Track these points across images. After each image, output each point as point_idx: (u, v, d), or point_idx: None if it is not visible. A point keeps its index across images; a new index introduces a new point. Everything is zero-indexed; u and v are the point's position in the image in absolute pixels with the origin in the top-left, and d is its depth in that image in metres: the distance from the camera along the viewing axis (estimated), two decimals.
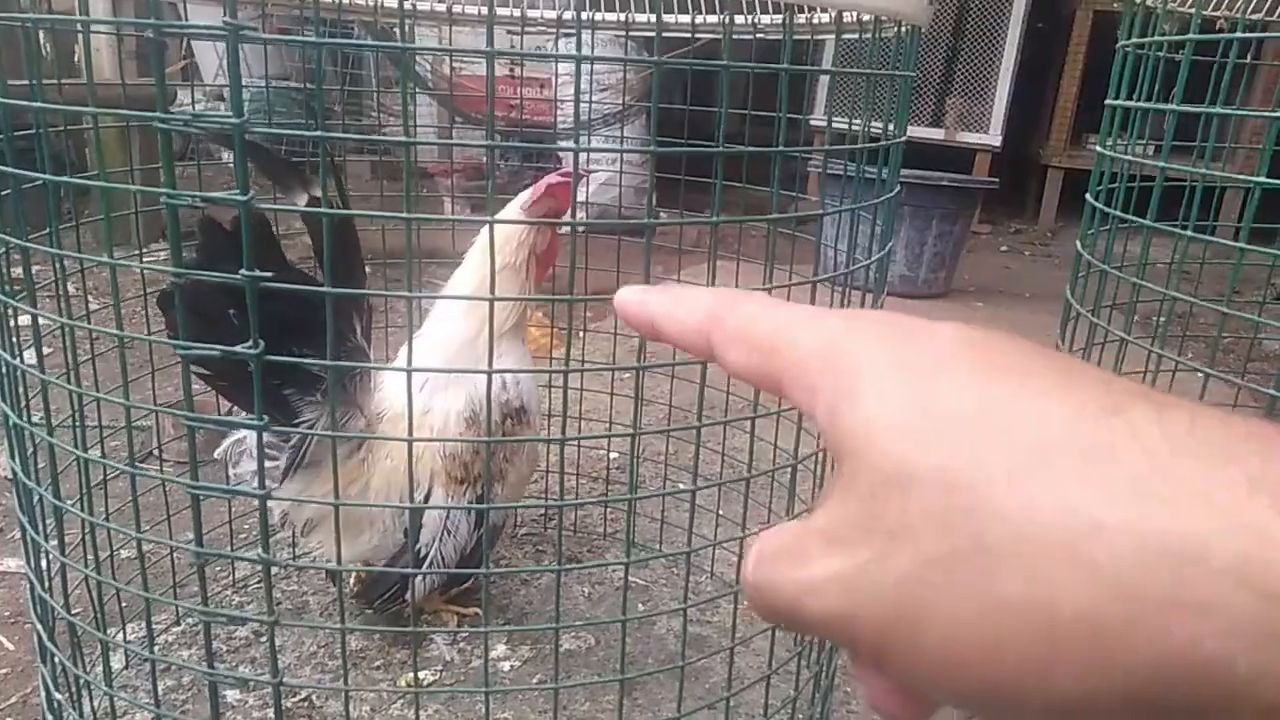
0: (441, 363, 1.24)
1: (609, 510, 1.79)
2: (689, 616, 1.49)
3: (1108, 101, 1.10)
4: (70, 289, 0.96)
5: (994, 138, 5.07)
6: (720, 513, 1.67)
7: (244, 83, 0.62)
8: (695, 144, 0.71)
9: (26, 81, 0.77)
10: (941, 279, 3.83)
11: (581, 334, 2.31)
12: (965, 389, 0.25)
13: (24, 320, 0.88)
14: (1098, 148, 1.12)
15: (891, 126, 0.95)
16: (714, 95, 0.71)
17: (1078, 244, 1.18)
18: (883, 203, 0.93)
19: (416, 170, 3.20)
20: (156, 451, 1.76)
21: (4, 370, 0.82)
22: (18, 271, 0.82)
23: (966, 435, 0.24)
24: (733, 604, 1.51)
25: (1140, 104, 1.03)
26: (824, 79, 4.79)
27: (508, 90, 3.00)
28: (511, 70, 3.65)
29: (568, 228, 1.36)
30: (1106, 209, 1.10)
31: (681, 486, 1.78)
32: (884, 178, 0.94)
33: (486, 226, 1.32)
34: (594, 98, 4.07)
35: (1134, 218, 1.07)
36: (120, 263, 0.67)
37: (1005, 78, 5.00)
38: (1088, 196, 1.15)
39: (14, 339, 0.88)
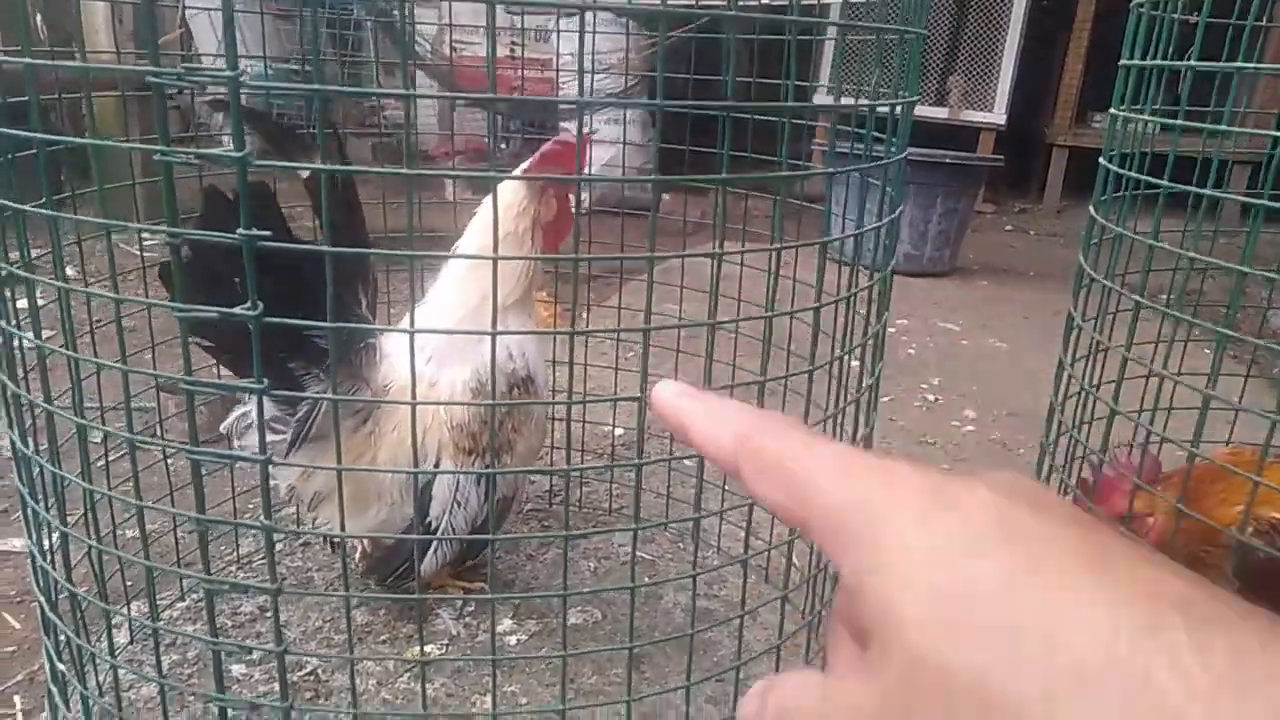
0: (446, 336, 1.23)
1: (614, 487, 1.78)
2: (696, 590, 1.49)
3: (1122, 62, 1.08)
4: (70, 272, 0.95)
5: (998, 116, 5.04)
6: (726, 487, 1.66)
7: (244, 65, 0.61)
8: (701, 102, 0.69)
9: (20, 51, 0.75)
10: (946, 257, 3.81)
11: (586, 311, 2.30)
12: (997, 579, 0.24)
13: (21, 304, 0.87)
14: (1111, 110, 1.10)
15: (900, 90, 0.93)
16: (717, 74, 0.69)
17: (1091, 209, 1.16)
18: (893, 163, 0.92)
19: (418, 153, 3.18)
20: (158, 431, 1.75)
21: (2, 341, 0.81)
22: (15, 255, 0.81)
23: (1003, 641, 0.24)
24: (741, 578, 1.52)
25: (1156, 62, 1.01)
26: (828, 54, 4.76)
27: (508, 71, 2.97)
28: (512, 51, 3.62)
29: (574, 200, 1.34)
30: (1121, 171, 1.08)
31: (688, 463, 1.77)
32: (893, 139, 0.92)
33: (488, 197, 1.31)
34: (596, 79, 4.05)
35: (1151, 178, 1.05)
36: (117, 225, 0.66)
37: (1010, 55, 4.96)
38: (1101, 160, 1.13)
39: (13, 310, 0.87)
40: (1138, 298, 0.98)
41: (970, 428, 2.30)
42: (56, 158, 0.84)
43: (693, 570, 0.88)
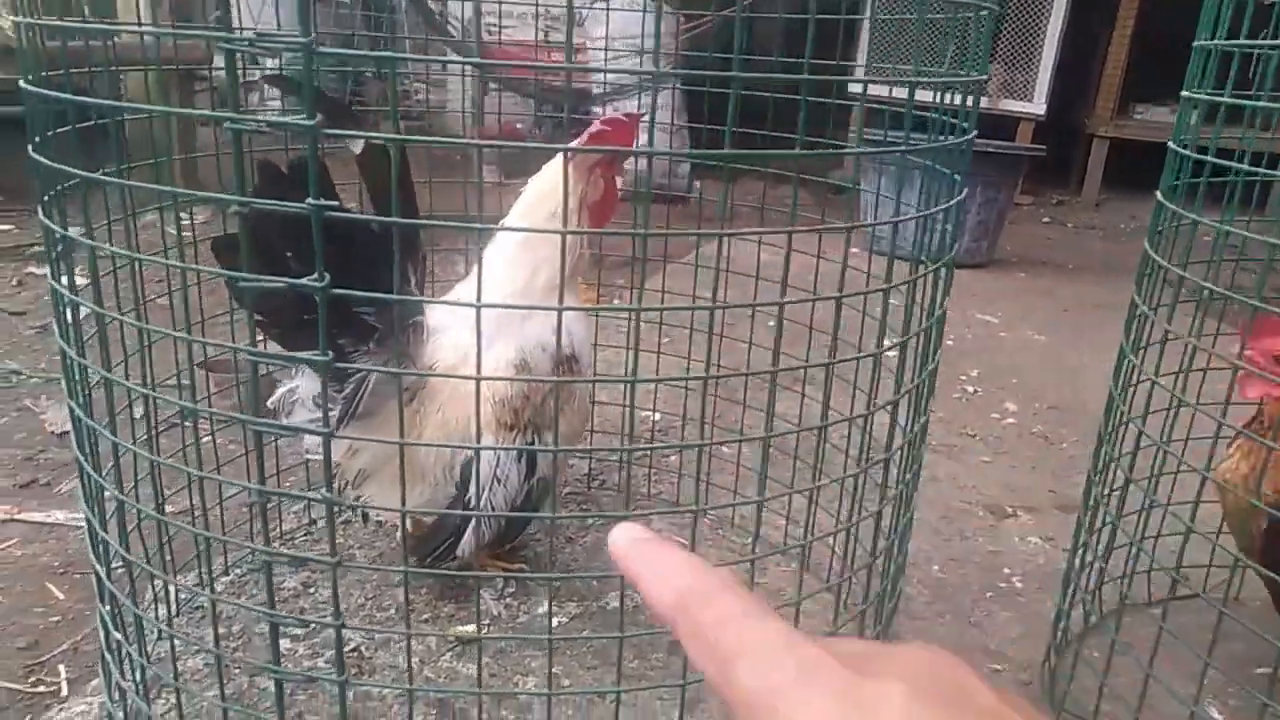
0: (491, 315, 1.22)
1: (652, 473, 1.78)
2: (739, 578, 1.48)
3: (1196, 43, 1.05)
4: (111, 247, 0.95)
5: (1038, 106, 4.96)
6: (770, 477, 1.65)
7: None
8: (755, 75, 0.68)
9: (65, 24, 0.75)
10: (984, 248, 3.76)
11: (630, 292, 2.28)
12: None
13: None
14: (1184, 92, 1.07)
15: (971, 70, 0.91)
16: (750, 64, 0.67)
17: (1158, 195, 1.13)
18: (963, 143, 0.90)
19: (451, 136, 3.17)
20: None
21: (63, 307, 0.81)
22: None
23: None
24: (782, 567, 1.51)
25: (1239, 44, 0.98)
26: (865, 35, 4.69)
27: (541, 58, 2.96)
28: (546, 36, 3.61)
29: (622, 181, 1.33)
30: (1194, 155, 1.05)
31: (727, 450, 1.76)
32: (964, 125, 0.90)
33: (534, 177, 1.30)
34: (630, 62, 4.03)
35: (1226, 162, 1.02)
36: (184, 192, 0.66)
37: (1051, 44, 4.88)
38: (1170, 144, 1.10)
39: (71, 281, 0.87)
40: (1209, 284, 0.95)
41: (1011, 420, 2.27)
42: (96, 132, 0.84)
43: (739, 557, 0.86)
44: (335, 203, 0.62)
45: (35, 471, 1.81)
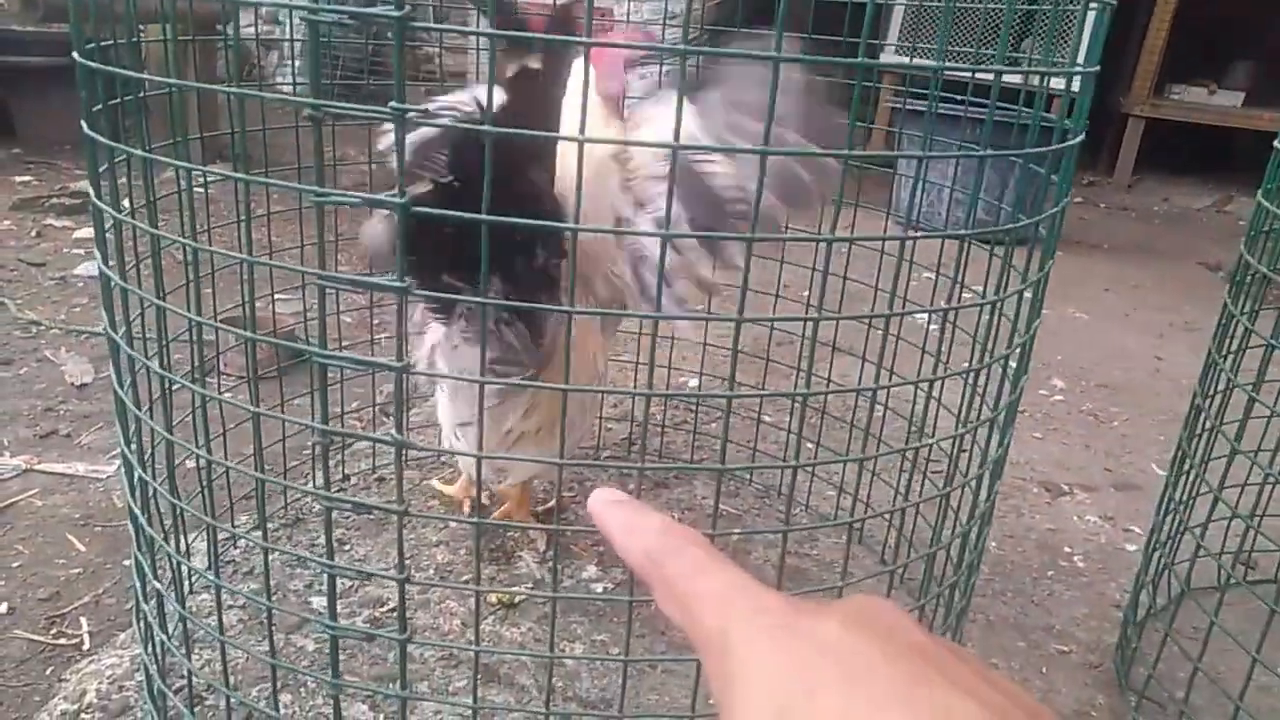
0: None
1: (695, 438, 1.71)
2: (787, 548, 1.42)
3: None
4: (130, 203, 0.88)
5: (1074, 83, 4.84)
6: (820, 443, 1.58)
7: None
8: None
9: None
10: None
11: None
12: (827, 704, 0.27)
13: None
14: None
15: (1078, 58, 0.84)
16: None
17: (1259, 197, 1.05)
18: (1068, 148, 0.83)
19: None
20: (218, 365, 1.71)
21: (110, 228, 0.75)
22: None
23: None
24: (834, 538, 1.44)
25: None
26: (898, 12, 4.58)
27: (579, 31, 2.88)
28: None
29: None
30: None
31: (767, 418, 1.70)
32: (1067, 125, 0.83)
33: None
34: (660, 32, 3.93)
35: None
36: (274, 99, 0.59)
37: (1089, 20, 4.75)
38: (1277, 144, 1.02)
39: (115, 198, 0.80)
40: None
41: (1059, 398, 2.20)
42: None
43: (784, 526, 0.80)
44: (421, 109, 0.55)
45: (55, 422, 1.76)
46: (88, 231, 2.85)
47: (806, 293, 1.50)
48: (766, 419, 1.68)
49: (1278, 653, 1.17)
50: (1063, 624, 1.33)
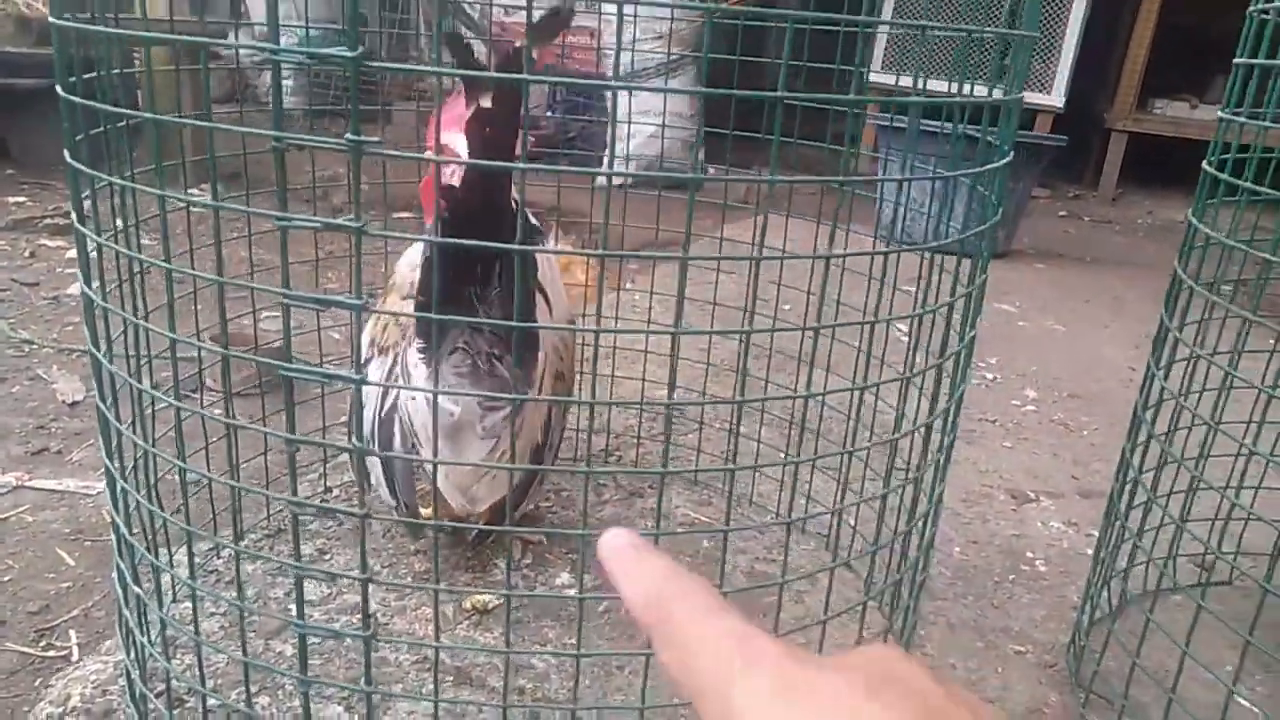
0: None
1: (670, 449, 1.75)
2: (757, 555, 1.46)
3: (1236, 60, 1.02)
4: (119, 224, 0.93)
5: (1057, 99, 4.91)
6: (785, 452, 1.63)
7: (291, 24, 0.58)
8: (749, 93, 0.66)
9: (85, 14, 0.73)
10: (1002, 238, 3.73)
11: (620, 288, 2.27)
12: None
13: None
14: (1219, 113, 1.04)
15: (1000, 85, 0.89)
16: (765, 46, 0.64)
17: (1190, 216, 1.10)
18: (999, 169, 0.88)
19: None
20: (200, 381, 1.75)
21: (93, 250, 0.80)
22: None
23: None
24: (803, 544, 1.49)
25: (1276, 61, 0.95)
26: (882, 35, 4.66)
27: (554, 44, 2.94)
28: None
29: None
30: (1233, 180, 1.02)
31: (745, 428, 1.74)
32: (997, 143, 0.88)
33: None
34: (643, 48, 4.00)
35: (1267, 190, 0.98)
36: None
37: (1071, 38, 4.82)
38: (1205, 165, 1.07)
39: (97, 225, 0.85)
40: (1245, 312, 0.93)
41: (1031, 408, 2.25)
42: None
43: (725, 526, 0.84)
44: (374, 139, 0.60)
45: (47, 440, 1.80)
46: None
47: (788, 306, 1.55)
48: (743, 430, 1.72)
49: (1227, 651, 1.21)
50: (1021, 625, 1.37)
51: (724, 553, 0.83)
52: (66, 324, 2.35)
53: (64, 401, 1.96)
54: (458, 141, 1.12)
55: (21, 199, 3.40)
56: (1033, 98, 4.96)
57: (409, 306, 1.11)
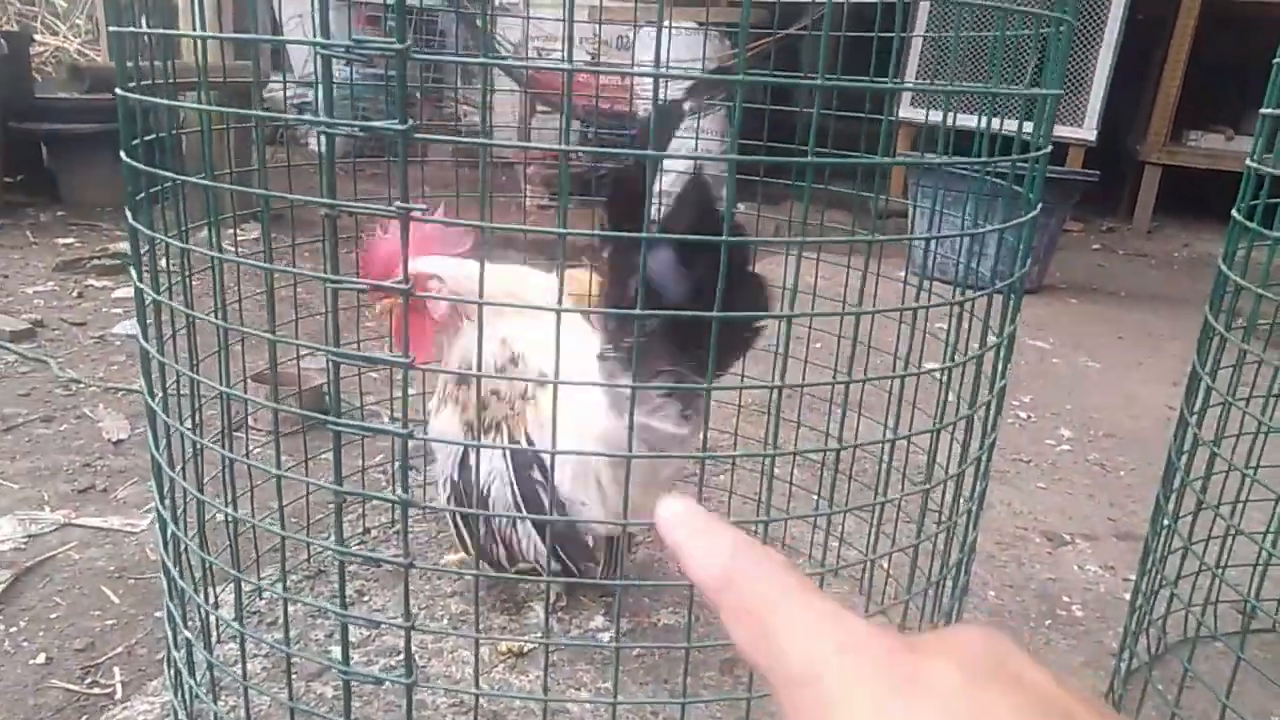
0: None
1: (701, 489, 1.76)
2: None
3: (1263, 110, 1.02)
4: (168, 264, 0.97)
5: (1089, 132, 4.90)
6: (819, 494, 1.63)
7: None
8: (778, 145, 0.68)
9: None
10: (1035, 273, 3.72)
11: None
12: None
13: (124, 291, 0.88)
14: (1249, 162, 1.04)
15: (1030, 127, 0.90)
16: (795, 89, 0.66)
17: (1221, 264, 1.11)
18: (1026, 222, 0.89)
19: (495, 159, 3.21)
20: (246, 421, 1.79)
21: (147, 303, 0.83)
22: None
23: None
24: (834, 588, 1.48)
25: None
26: (914, 60, 4.68)
27: (586, 80, 2.98)
28: (592, 58, 3.65)
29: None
30: (1263, 230, 1.02)
31: (777, 471, 1.74)
32: (1029, 195, 0.89)
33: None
34: (675, 88, 4.04)
35: None
36: (276, 194, 0.66)
37: (1103, 71, 4.82)
38: (1234, 213, 1.07)
39: (155, 280, 0.88)
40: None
41: (1066, 447, 2.23)
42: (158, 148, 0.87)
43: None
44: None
45: (93, 478, 1.84)
46: (126, 291, 2.97)
47: (819, 345, 1.56)
48: (776, 473, 1.73)
49: (1271, 701, 1.20)
50: (1058, 672, 1.36)
51: None
52: (112, 363, 2.41)
53: (109, 440, 2.00)
54: (428, 263, 1.17)
55: (70, 240, 3.50)
56: (1064, 131, 4.95)
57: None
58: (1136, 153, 5.38)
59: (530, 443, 1.19)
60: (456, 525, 1.29)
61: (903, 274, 1.27)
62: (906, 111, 4.53)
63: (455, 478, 1.24)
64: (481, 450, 1.17)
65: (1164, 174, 5.22)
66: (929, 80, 4.64)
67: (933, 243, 1.23)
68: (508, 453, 1.19)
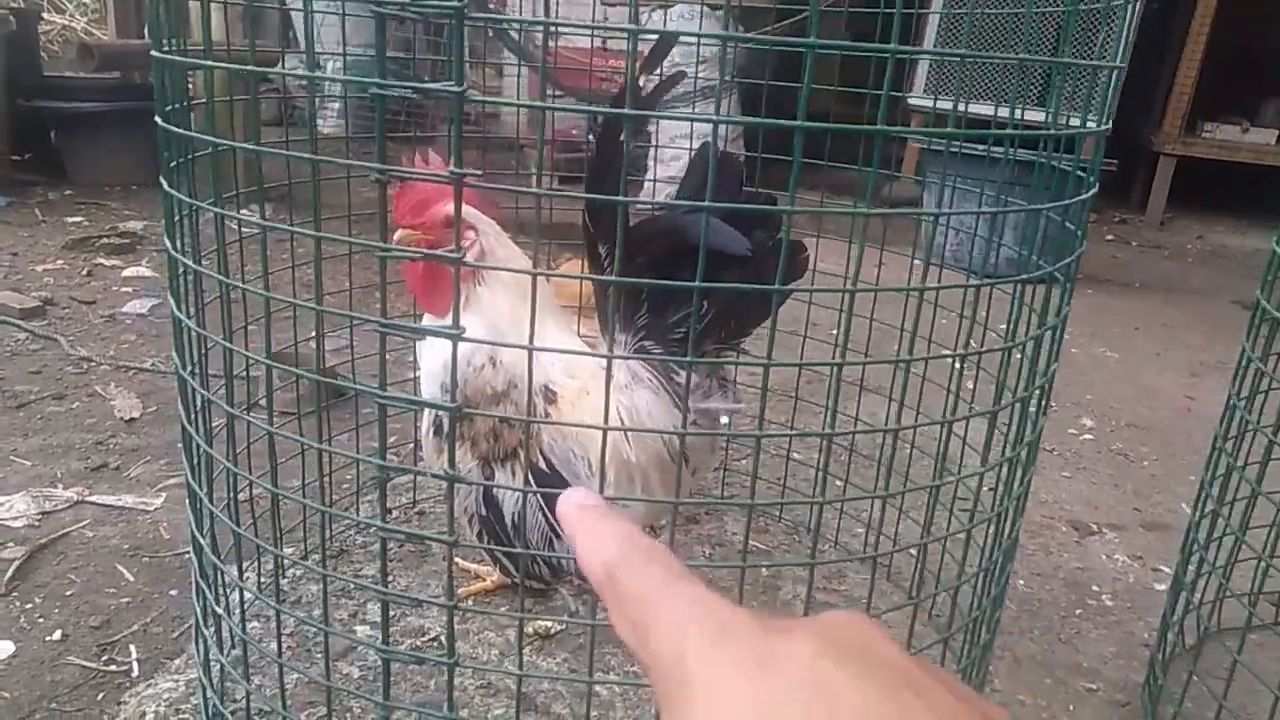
0: None
1: (725, 474, 1.75)
2: (816, 584, 1.44)
3: None
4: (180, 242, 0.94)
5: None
6: (849, 480, 1.61)
7: (344, 50, 0.59)
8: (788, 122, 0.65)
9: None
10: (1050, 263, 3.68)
11: None
12: None
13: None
14: None
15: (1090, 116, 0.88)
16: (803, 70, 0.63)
17: (1275, 244, 1.08)
18: (1078, 203, 0.86)
19: (507, 143, 3.18)
20: (266, 401, 1.76)
21: (186, 276, 0.81)
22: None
23: None
24: (861, 574, 1.47)
25: None
26: (931, 32, 4.61)
27: (598, 63, 2.95)
28: (604, 43, 3.61)
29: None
30: None
31: (797, 456, 1.73)
32: (1081, 174, 0.87)
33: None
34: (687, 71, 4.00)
35: None
36: (325, 159, 0.64)
37: (1118, 59, 4.77)
38: None
39: (195, 249, 0.86)
40: None
41: (1088, 437, 2.21)
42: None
43: (811, 560, 0.83)
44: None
45: (105, 456, 1.83)
46: (135, 270, 2.95)
47: (835, 331, 1.53)
48: (796, 456, 1.71)
49: None
50: (1090, 662, 1.34)
51: (810, 587, 0.81)
52: (122, 342, 2.39)
53: (121, 418, 1.98)
54: (467, 211, 1.13)
55: (79, 219, 3.47)
56: (1078, 121, 4.90)
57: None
58: (1151, 144, 5.33)
59: (551, 457, 1.17)
60: (495, 556, 1.27)
61: (917, 260, 1.25)
62: (917, 100, 4.49)
63: (484, 513, 1.21)
64: (500, 479, 1.16)
65: (1179, 165, 5.18)
66: (941, 69, 4.59)
67: (948, 229, 1.21)
68: (530, 478, 1.16)
